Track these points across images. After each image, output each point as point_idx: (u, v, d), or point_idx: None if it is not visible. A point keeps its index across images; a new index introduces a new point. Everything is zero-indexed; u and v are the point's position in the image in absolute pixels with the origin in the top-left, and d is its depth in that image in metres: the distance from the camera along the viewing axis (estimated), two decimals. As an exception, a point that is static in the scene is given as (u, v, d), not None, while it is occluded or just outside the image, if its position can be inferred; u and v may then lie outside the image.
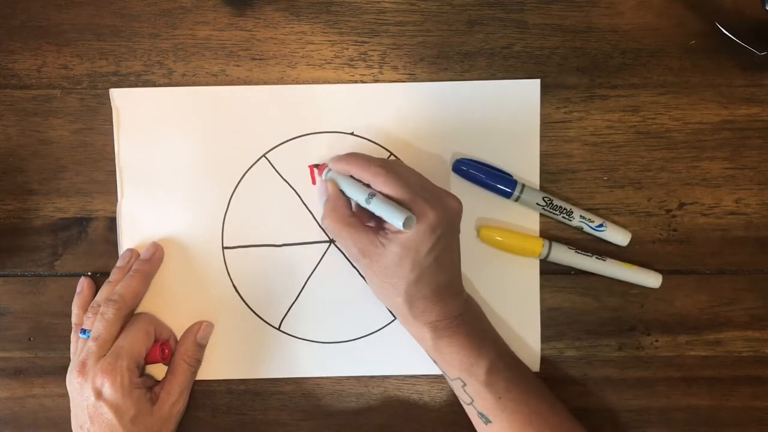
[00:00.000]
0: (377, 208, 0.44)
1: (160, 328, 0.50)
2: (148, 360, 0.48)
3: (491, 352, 0.46)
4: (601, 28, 0.51)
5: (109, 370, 0.45)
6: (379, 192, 0.44)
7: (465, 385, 0.46)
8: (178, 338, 0.51)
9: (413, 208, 0.43)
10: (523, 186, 0.50)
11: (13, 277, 0.52)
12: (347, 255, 0.46)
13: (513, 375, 0.46)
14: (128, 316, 0.49)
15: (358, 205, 0.47)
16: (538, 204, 0.50)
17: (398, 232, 0.44)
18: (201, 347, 0.50)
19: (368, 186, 0.45)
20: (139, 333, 0.48)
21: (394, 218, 0.43)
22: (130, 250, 0.51)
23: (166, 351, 0.49)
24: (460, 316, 0.46)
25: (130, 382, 0.46)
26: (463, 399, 0.47)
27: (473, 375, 0.45)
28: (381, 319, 0.51)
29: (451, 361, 0.46)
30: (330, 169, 0.48)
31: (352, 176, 0.47)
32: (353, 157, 0.47)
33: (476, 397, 0.46)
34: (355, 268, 0.51)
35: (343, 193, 0.47)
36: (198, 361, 0.50)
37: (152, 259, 0.50)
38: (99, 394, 0.45)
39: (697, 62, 0.51)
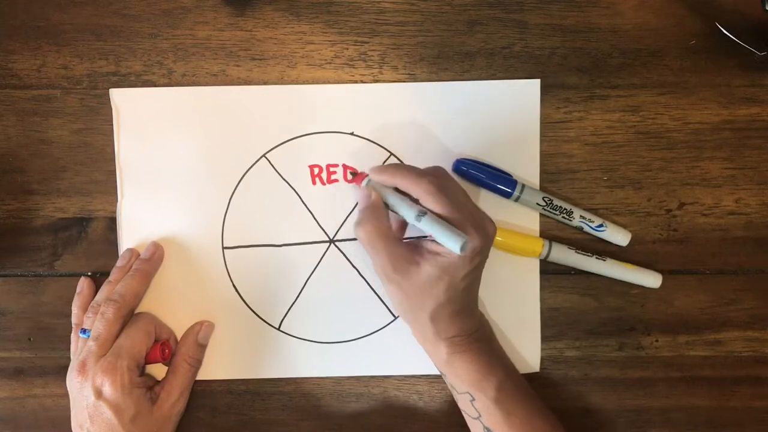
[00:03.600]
0: (429, 227, 0.42)
1: (161, 328, 0.50)
2: (149, 360, 0.48)
3: (500, 370, 0.46)
4: (601, 28, 0.51)
5: (110, 369, 0.45)
6: (429, 210, 0.43)
7: (473, 399, 0.46)
8: (179, 338, 0.51)
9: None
10: (523, 186, 0.50)
11: (13, 277, 0.52)
12: (377, 268, 0.45)
13: (520, 393, 0.46)
14: (128, 316, 0.49)
15: (397, 220, 0.46)
16: (538, 204, 0.50)
17: (437, 252, 0.43)
18: (202, 347, 0.50)
19: (416, 201, 0.44)
20: (139, 333, 0.48)
21: (450, 241, 0.41)
22: (130, 250, 0.51)
23: (167, 351, 0.49)
24: (475, 332, 0.46)
25: (130, 381, 0.46)
26: (470, 413, 0.47)
27: (483, 390, 0.45)
28: (381, 319, 0.51)
29: (461, 376, 0.46)
30: (370, 179, 0.46)
31: (396, 189, 0.45)
32: (400, 169, 0.45)
33: (484, 412, 0.46)
34: (356, 269, 0.51)
35: (385, 204, 0.45)
36: (198, 361, 0.50)
37: (152, 259, 0.50)
38: (99, 394, 0.45)
39: (697, 62, 0.51)
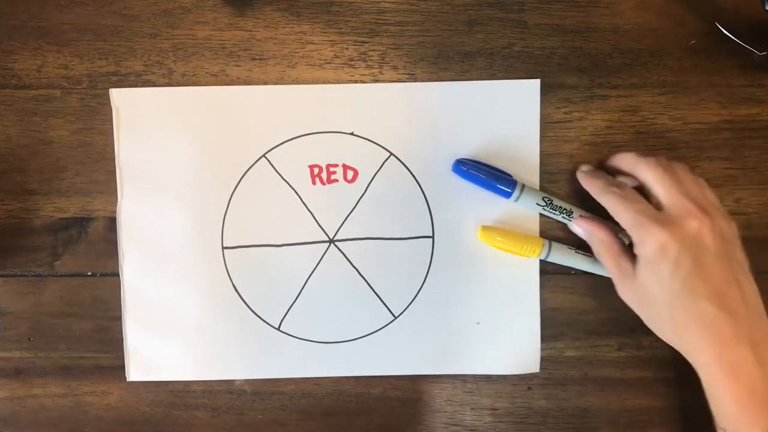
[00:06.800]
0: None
1: None
2: None
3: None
4: (601, 28, 0.51)
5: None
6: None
7: None
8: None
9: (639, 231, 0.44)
10: (523, 186, 0.50)
11: (13, 277, 0.52)
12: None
13: None
14: None
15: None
16: (538, 204, 0.50)
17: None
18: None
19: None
20: None
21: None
22: None
23: None
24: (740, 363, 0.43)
25: None
26: None
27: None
28: (381, 319, 0.51)
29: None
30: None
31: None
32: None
33: None
34: (356, 269, 0.51)
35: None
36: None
37: None
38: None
39: (697, 62, 0.51)
